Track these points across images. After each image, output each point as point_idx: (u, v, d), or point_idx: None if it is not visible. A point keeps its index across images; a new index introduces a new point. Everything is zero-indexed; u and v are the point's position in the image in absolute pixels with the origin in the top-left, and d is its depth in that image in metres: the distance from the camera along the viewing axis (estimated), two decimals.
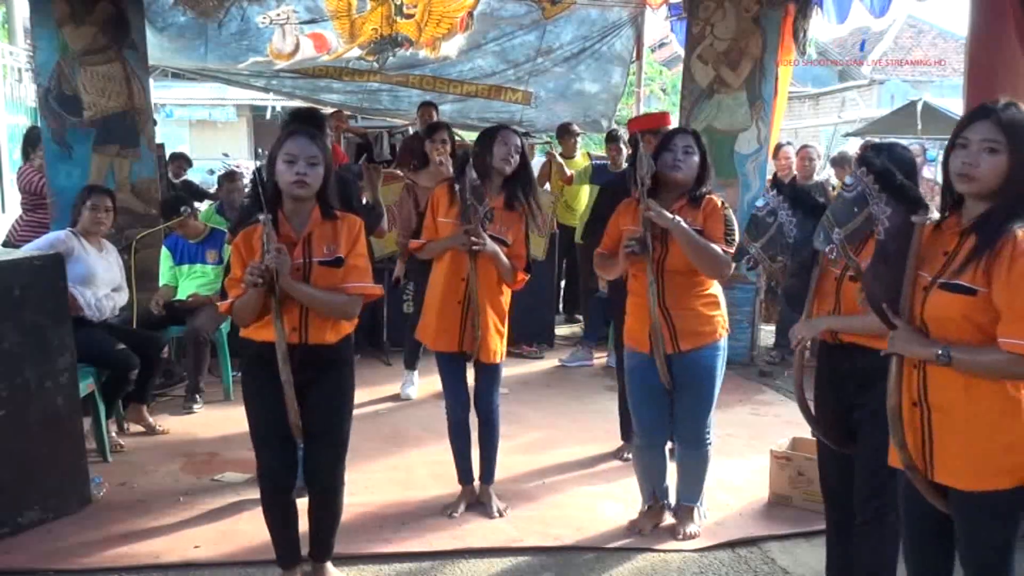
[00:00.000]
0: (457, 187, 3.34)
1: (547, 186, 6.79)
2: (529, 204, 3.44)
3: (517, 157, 3.38)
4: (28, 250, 4.10)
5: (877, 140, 2.66)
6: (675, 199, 3.12)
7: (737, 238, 3.10)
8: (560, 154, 7.01)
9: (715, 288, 3.22)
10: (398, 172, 6.50)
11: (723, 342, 3.23)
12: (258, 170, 2.74)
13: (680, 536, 3.33)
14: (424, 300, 3.58)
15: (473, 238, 3.23)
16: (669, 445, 3.45)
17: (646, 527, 3.39)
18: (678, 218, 3.04)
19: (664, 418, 3.28)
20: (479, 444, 3.59)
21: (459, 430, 3.56)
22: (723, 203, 3.18)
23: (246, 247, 2.69)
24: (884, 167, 2.15)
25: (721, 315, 3.23)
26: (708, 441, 3.29)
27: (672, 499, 3.46)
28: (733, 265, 3.09)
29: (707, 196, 3.16)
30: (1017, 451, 1.94)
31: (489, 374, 3.52)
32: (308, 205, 2.71)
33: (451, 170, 5.00)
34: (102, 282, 4.29)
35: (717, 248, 3.05)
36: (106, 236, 4.52)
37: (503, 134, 3.39)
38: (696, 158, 3.13)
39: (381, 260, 5.56)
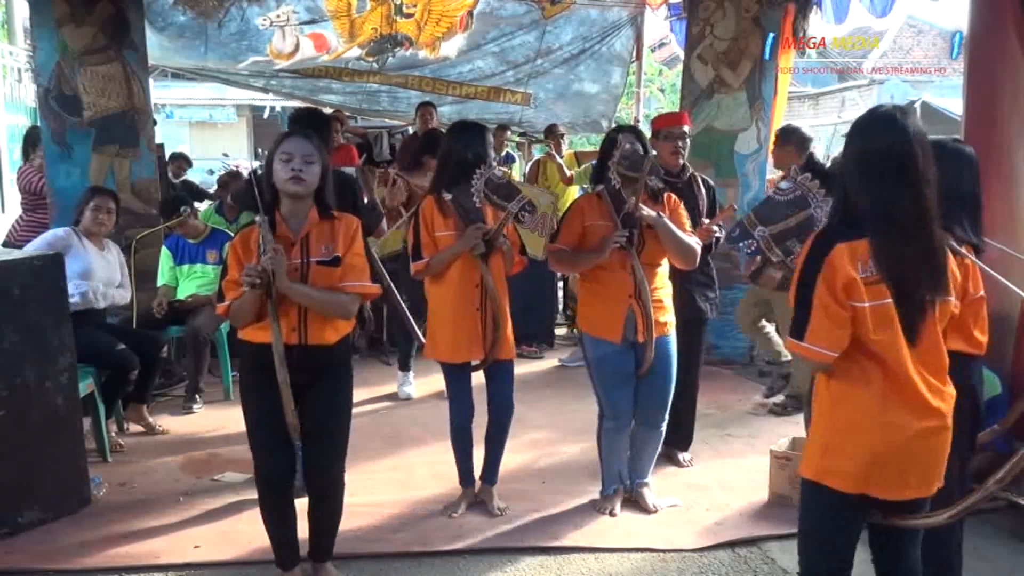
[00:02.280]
0: (447, 196, 3.32)
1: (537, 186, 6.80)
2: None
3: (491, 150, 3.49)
4: (28, 250, 4.11)
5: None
6: (632, 194, 3.25)
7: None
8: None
9: (668, 283, 3.47)
10: (390, 173, 6.51)
11: (674, 334, 3.48)
12: (254, 171, 2.75)
13: (654, 509, 3.55)
14: (430, 316, 3.53)
15: (499, 240, 3.27)
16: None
17: (616, 507, 3.53)
18: (663, 215, 3.26)
19: (632, 401, 3.46)
20: (486, 444, 3.58)
21: (463, 435, 3.55)
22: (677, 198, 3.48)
23: (243, 248, 2.70)
24: (829, 171, 2.29)
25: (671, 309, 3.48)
26: (664, 422, 3.54)
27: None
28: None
29: (664, 191, 3.41)
30: (809, 446, 2.17)
31: (506, 371, 3.51)
32: (305, 205, 2.71)
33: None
34: (100, 278, 4.29)
35: (693, 240, 3.33)
36: (107, 236, 4.52)
37: (498, 135, 3.42)
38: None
39: (380, 260, 5.55)
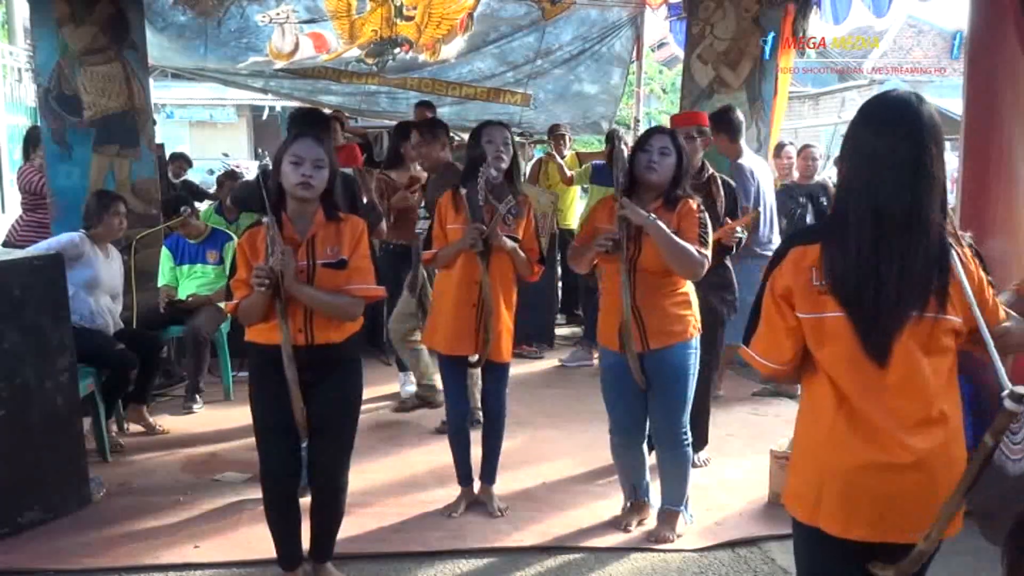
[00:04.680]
0: (463, 191, 3.34)
1: (538, 186, 6.80)
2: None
3: (508, 151, 3.38)
4: (40, 248, 4.09)
5: None
6: (652, 199, 3.13)
7: (711, 239, 3.14)
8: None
9: (687, 287, 3.22)
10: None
11: (695, 341, 3.22)
12: (263, 171, 2.76)
13: (654, 540, 3.30)
14: (432, 305, 3.57)
15: (495, 239, 3.24)
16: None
17: (631, 523, 3.41)
18: (654, 216, 3.02)
19: (640, 415, 3.28)
20: (483, 444, 3.58)
21: (459, 433, 3.56)
22: (699, 206, 3.16)
23: (251, 248, 2.71)
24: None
25: (692, 315, 3.22)
26: (685, 441, 3.28)
27: (653, 496, 3.48)
28: (707, 265, 3.08)
29: (683, 198, 3.15)
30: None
31: (499, 373, 3.52)
32: (311, 207, 2.72)
33: (420, 169, 5.05)
34: (105, 288, 4.30)
35: (691, 248, 3.03)
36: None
37: (488, 132, 3.38)
38: (672, 159, 3.12)
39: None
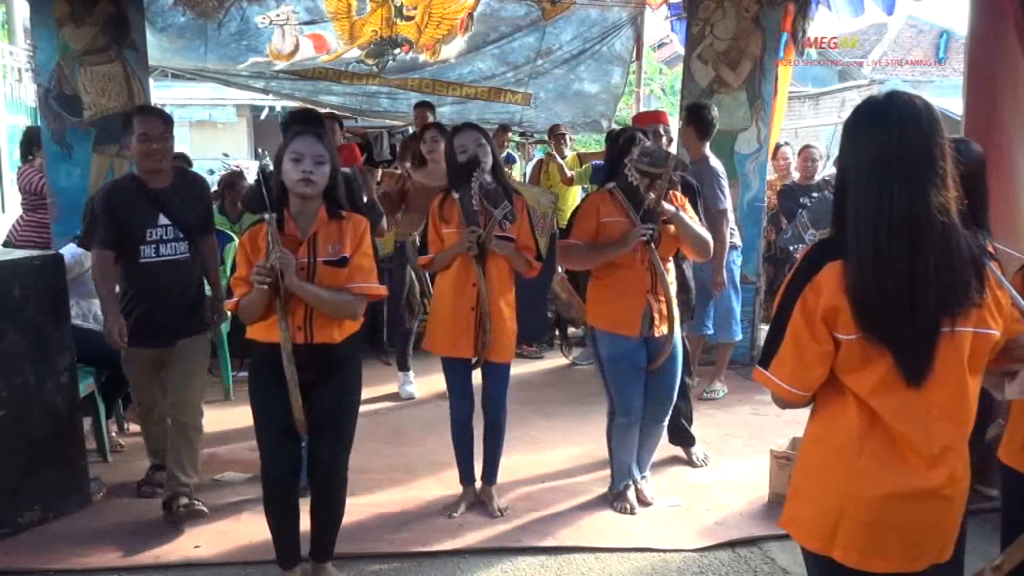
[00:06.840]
0: (456, 195, 3.35)
1: (539, 186, 6.80)
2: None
3: (484, 150, 3.37)
4: None
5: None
6: (653, 190, 3.29)
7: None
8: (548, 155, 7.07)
9: (674, 279, 3.52)
10: (397, 171, 6.50)
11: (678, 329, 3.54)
12: (262, 169, 2.76)
13: (652, 501, 3.61)
14: (431, 309, 3.62)
15: (490, 244, 3.29)
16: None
17: (634, 505, 3.56)
18: (680, 210, 3.32)
19: (643, 397, 3.49)
20: (484, 444, 3.59)
21: (463, 432, 3.56)
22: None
23: (252, 246, 2.72)
24: None
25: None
26: (668, 416, 3.61)
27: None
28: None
29: (670, 191, 3.43)
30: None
31: (500, 374, 3.53)
32: (314, 204, 2.72)
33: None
34: None
35: (707, 233, 3.43)
36: None
37: (459, 143, 3.40)
38: None
39: (382, 260, 5.55)
